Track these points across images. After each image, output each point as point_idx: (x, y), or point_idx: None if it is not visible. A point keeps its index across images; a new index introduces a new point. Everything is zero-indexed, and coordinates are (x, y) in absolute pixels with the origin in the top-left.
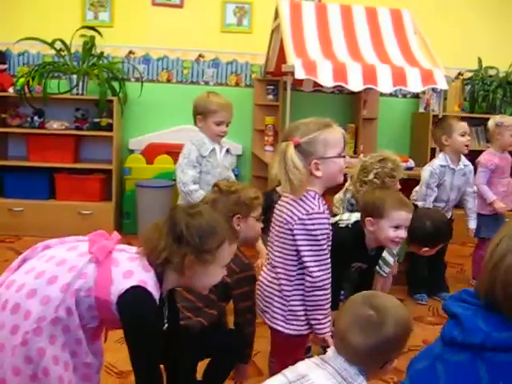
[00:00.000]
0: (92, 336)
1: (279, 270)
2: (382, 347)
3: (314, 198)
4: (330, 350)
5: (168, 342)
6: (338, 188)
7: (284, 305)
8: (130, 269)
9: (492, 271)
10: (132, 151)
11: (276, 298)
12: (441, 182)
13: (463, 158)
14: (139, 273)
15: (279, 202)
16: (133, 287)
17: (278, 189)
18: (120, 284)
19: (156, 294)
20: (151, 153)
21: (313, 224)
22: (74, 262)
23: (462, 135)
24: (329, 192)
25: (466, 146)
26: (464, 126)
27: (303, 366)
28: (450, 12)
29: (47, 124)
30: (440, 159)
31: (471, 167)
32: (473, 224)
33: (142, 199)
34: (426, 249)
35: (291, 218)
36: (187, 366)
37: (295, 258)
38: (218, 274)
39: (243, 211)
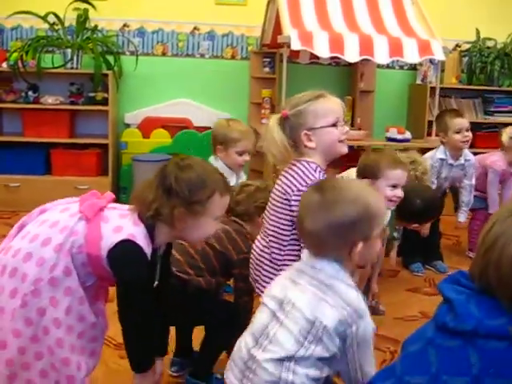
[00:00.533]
0: (93, 296)
1: (271, 239)
2: (335, 228)
3: (314, 171)
4: (303, 254)
5: (158, 301)
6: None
7: (274, 274)
8: (120, 224)
9: (485, 255)
10: (128, 125)
11: (266, 267)
12: (437, 175)
13: (466, 152)
14: (129, 227)
15: (281, 173)
16: (122, 241)
17: None
18: (109, 239)
19: (147, 249)
20: (147, 127)
21: None
22: (66, 223)
23: (458, 132)
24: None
25: (464, 141)
26: (459, 122)
27: (277, 289)
28: None
29: (42, 99)
30: (440, 152)
31: (473, 161)
32: (463, 218)
33: (139, 174)
34: (416, 225)
35: (290, 188)
36: (180, 326)
37: (289, 228)
38: (210, 226)
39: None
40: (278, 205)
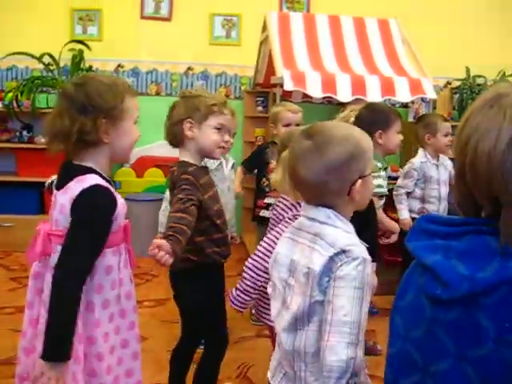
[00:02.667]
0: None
1: None
2: (331, 169)
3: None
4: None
5: None
6: None
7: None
8: (81, 178)
9: (460, 156)
10: (122, 165)
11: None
12: (426, 179)
13: (442, 156)
14: (87, 180)
15: (280, 201)
16: (86, 188)
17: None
18: (74, 191)
19: (112, 190)
20: (141, 166)
21: None
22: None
23: (446, 135)
24: None
25: (449, 146)
26: (448, 126)
27: (283, 254)
28: (437, 22)
29: (36, 139)
30: (420, 156)
31: (449, 161)
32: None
33: (132, 213)
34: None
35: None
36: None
37: None
38: (133, 129)
39: (197, 117)
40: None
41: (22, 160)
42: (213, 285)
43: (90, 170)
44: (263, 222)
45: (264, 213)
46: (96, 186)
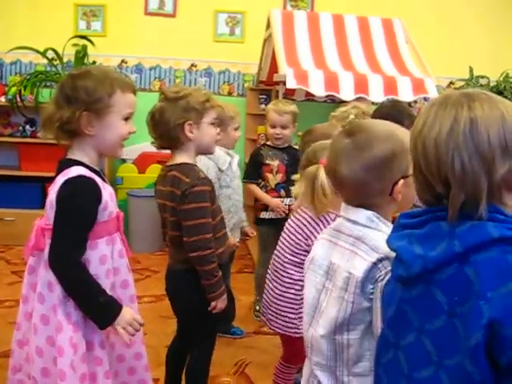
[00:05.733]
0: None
1: (292, 278)
2: (373, 168)
3: (333, 220)
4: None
5: None
6: None
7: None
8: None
9: (413, 151)
10: (124, 160)
11: (287, 309)
12: None
13: None
14: (71, 172)
15: (296, 217)
16: (69, 178)
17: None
18: (58, 184)
19: (97, 180)
20: (143, 162)
21: None
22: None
23: None
24: None
25: None
26: None
27: (320, 256)
28: (441, 21)
29: (39, 133)
30: None
31: None
32: None
33: (134, 209)
34: None
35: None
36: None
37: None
38: (119, 125)
39: (194, 117)
40: (297, 250)
41: (25, 154)
42: None
43: (76, 163)
44: (263, 223)
45: (264, 214)
46: (77, 177)
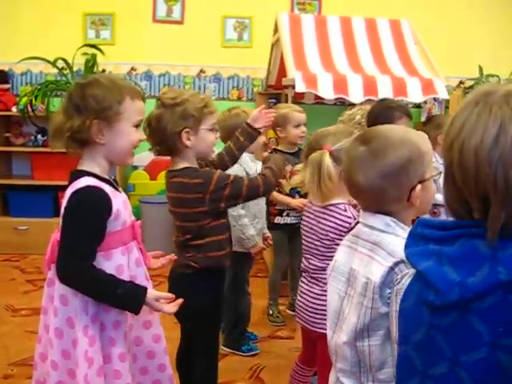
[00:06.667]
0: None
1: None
2: (389, 175)
3: (345, 211)
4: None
5: None
6: None
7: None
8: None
9: (447, 156)
10: (135, 167)
11: (321, 307)
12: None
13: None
14: (79, 183)
15: (309, 212)
16: (77, 189)
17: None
18: (66, 196)
19: (107, 189)
20: (155, 169)
21: None
22: None
23: None
24: None
25: None
26: None
27: (341, 262)
28: (449, 21)
29: (49, 142)
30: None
31: None
32: None
33: (146, 215)
34: None
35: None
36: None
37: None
38: (130, 132)
39: (191, 124)
40: (318, 245)
41: (37, 164)
42: (215, 290)
43: (85, 174)
44: (277, 228)
45: (279, 219)
46: (84, 188)
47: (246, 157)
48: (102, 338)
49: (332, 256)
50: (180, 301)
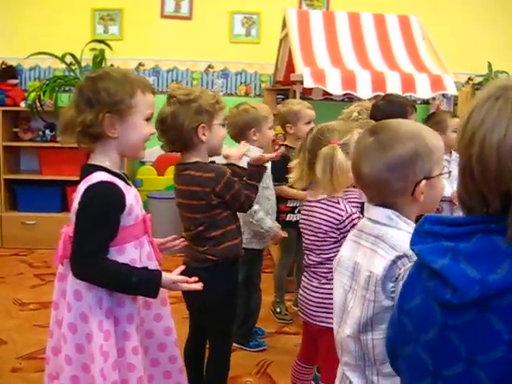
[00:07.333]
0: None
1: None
2: (395, 167)
3: (338, 203)
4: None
5: None
6: None
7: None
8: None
9: (465, 151)
10: (143, 163)
11: (321, 300)
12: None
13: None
14: (92, 178)
15: (304, 209)
16: (91, 185)
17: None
18: (79, 193)
19: (119, 183)
20: (162, 164)
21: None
22: None
23: (455, 131)
24: None
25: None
26: (457, 122)
27: (346, 257)
28: (458, 17)
29: (59, 137)
30: None
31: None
32: None
33: (154, 211)
34: None
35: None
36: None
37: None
38: (142, 125)
39: (206, 119)
40: (317, 241)
41: (45, 159)
42: (230, 281)
43: (97, 168)
44: (289, 225)
45: (291, 217)
46: (98, 183)
47: (256, 152)
48: (116, 332)
49: (328, 250)
50: (195, 279)
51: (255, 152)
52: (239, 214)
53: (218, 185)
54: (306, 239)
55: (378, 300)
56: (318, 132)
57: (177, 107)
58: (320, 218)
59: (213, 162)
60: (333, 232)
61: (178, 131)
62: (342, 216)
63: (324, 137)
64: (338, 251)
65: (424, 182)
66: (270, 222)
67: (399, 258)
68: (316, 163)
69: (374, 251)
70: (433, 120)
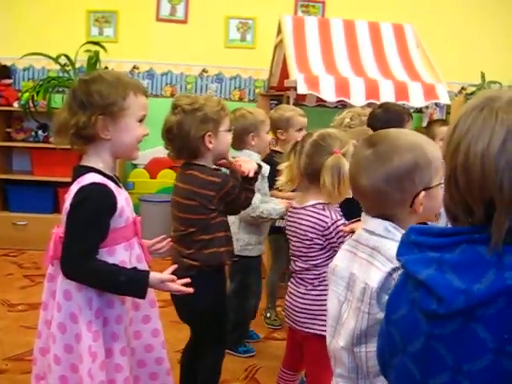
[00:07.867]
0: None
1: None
2: (393, 179)
3: (323, 210)
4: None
5: None
6: None
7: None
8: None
9: (451, 161)
10: (135, 166)
11: (307, 306)
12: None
13: None
14: (84, 180)
15: (290, 216)
16: (83, 186)
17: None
18: (71, 194)
19: (110, 185)
20: (154, 167)
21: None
22: None
23: (442, 139)
24: None
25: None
26: (445, 130)
27: (342, 267)
28: (452, 27)
29: (51, 138)
30: None
31: None
32: None
33: (145, 214)
34: None
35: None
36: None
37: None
38: (135, 127)
39: (212, 127)
40: (303, 248)
41: (38, 159)
42: (217, 287)
43: (90, 170)
44: (278, 231)
45: (280, 222)
46: (91, 185)
47: (256, 158)
48: (104, 332)
49: (314, 256)
50: (187, 280)
51: (254, 157)
52: (237, 220)
53: (222, 190)
54: (293, 245)
55: (372, 312)
56: (318, 137)
57: (182, 116)
58: (306, 225)
59: (218, 170)
60: (318, 239)
61: (184, 140)
62: (326, 223)
63: (326, 143)
64: (324, 258)
65: (423, 193)
66: (272, 205)
67: (395, 270)
68: (321, 173)
69: (370, 263)
70: (426, 131)
